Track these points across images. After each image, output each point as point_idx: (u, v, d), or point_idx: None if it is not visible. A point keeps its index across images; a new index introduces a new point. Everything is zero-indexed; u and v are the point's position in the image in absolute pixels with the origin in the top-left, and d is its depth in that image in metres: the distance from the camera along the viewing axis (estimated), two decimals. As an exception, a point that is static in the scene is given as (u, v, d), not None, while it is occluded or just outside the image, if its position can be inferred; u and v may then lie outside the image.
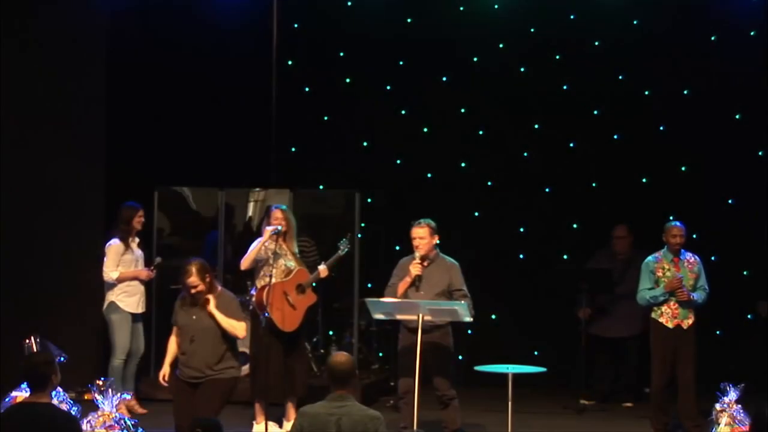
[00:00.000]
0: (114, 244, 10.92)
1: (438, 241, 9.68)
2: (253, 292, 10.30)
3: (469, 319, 9.26)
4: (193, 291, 8.75)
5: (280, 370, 10.16)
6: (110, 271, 10.87)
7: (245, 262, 10.26)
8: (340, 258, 10.63)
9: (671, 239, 10.28)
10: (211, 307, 8.75)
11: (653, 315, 10.24)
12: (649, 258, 10.35)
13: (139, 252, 11.09)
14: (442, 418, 9.70)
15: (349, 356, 7.11)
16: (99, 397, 8.39)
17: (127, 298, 10.93)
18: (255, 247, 10.17)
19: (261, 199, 12.82)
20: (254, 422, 10.32)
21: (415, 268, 9.51)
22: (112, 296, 10.93)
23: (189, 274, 8.73)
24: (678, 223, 10.34)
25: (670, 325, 10.16)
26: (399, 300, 9.46)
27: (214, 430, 6.76)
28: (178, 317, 8.94)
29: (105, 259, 10.94)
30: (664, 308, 10.19)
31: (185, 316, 8.86)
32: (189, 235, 12.77)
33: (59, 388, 8.42)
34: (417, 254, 9.56)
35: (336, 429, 6.74)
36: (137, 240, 11.07)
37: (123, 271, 10.87)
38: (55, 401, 7.81)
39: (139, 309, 11.03)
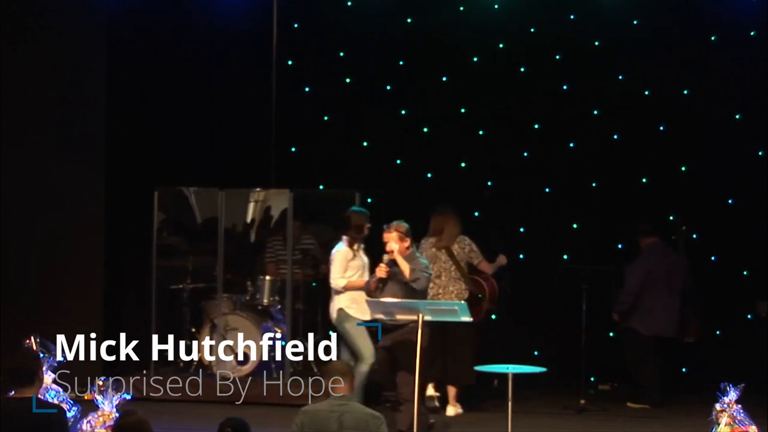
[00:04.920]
0: (341, 250, 10.51)
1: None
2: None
3: (468, 318, 9.28)
4: None
5: None
6: (338, 278, 10.45)
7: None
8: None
9: None
10: None
11: None
12: None
13: (365, 258, 10.65)
14: None
15: (346, 363, 7.28)
16: (99, 397, 8.37)
17: (355, 305, 10.45)
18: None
19: (261, 200, 12.83)
20: (448, 406, 10.99)
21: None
22: (340, 303, 10.52)
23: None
24: None
25: None
26: (399, 300, 9.49)
27: (242, 430, 6.81)
28: None
29: (332, 265, 10.54)
30: None
31: None
32: (188, 235, 12.76)
33: (59, 388, 8.41)
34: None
35: (338, 425, 6.78)
36: (362, 246, 10.62)
37: (350, 278, 10.46)
38: (55, 401, 7.82)
39: (367, 316, 10.30)
